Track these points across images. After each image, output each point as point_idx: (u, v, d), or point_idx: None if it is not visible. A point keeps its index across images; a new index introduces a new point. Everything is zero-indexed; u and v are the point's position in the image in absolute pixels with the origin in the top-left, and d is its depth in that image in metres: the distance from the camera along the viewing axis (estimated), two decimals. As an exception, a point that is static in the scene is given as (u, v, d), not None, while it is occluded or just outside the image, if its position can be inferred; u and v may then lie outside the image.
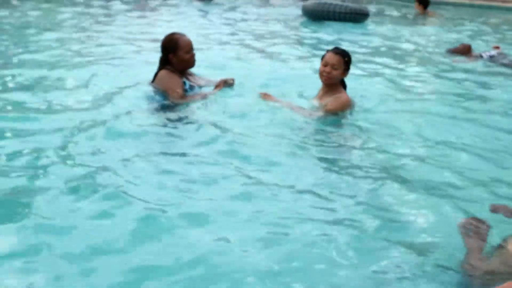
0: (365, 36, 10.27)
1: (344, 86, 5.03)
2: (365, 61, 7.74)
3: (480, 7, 16.23)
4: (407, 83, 6.67)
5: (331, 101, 4.87)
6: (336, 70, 4.81)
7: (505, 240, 2.70)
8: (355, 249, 2.94)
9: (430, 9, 13.70)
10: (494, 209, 3.18)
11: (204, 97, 5.03)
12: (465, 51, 8.28)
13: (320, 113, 4.86)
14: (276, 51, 8.14)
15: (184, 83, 4.99)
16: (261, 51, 8.10)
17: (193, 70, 5.34)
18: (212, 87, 5.23)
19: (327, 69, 4.84)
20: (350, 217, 3.28)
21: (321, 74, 4.90)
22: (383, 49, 9.07)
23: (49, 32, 8.72)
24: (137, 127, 4.41)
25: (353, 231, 3.12)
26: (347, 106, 4.93)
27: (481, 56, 8.06)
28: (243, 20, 11.80)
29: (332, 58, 4.83)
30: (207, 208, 3.28)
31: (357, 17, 11.46)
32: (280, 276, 2.70)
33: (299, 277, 2.71)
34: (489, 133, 4.82)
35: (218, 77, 5.42)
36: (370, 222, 3.23)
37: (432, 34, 11.06)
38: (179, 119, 4.63)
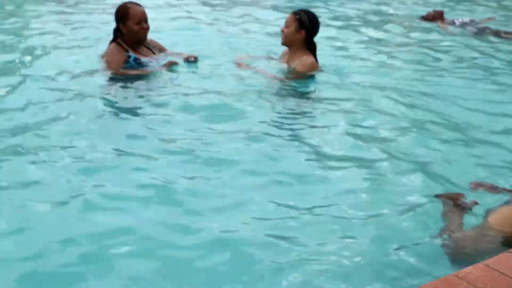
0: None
1: (312, 49, 4.94)
2: (339, 27, 7.55)
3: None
4: (376, 49, 6.51)
5: (298, 64, 4.85)
6: (288, 28, 4.82)
7: (486, 213, 2.65)
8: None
9: None
10: (474, 187, 3.11)
11: (146, 73, 4.73)
12: (437, 17, 8.12)
13: (289, 77, 4.86)
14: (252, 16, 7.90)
15: (129, 57, 4.68)
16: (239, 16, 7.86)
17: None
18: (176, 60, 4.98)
19: (282, 28, 4.88)
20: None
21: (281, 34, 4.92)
22: (360, 14, 8.93)
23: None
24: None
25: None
26: (313, 68, 4.90)
27: (453, 23, 7.93)
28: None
29: (287, 17, 4.88)
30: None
31: None
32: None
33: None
34: (465, 107, 4.67)
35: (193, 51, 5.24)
36: (352, 197, 3.14)
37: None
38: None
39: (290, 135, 3.93)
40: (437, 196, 2.98)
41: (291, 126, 4.09)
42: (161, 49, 5.07)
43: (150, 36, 4.93)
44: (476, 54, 6.47)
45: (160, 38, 5.26)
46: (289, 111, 4.36)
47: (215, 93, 4.53)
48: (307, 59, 4.86)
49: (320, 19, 4.99)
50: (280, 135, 3.89)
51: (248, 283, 2.42)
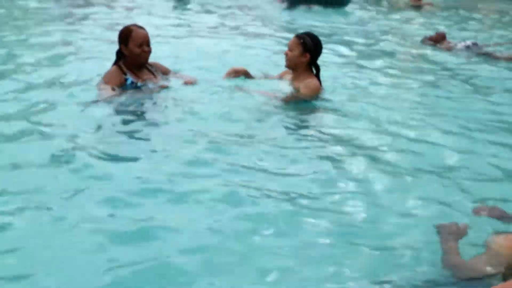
0: (344, 23, 10.23)
1: (316, 71, 4.97)
2: (339, 48, 7.59)
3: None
4: (378, 72, 6.55)
5: (302, 86, 4.85)
6: (292, 51, 4.85)
7: (489, 240, 2.60)
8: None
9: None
10: (477, 212, 3.06)
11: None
12: (439, 39, 8.19)
13: (292, 98, 4.86)
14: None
15: (126, 80, 4.66)
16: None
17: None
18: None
19: (286, 51, 4.92)
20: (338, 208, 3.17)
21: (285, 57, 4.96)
22: (359, 36, 8.97)
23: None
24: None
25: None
26: (317, 91, 4.92)
27: (456, 45, 7.99)
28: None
29: (290, 40, 4.93)
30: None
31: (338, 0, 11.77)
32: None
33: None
34: (465, 124, 4.70)
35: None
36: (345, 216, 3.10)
37: (416, 22, 10.98)
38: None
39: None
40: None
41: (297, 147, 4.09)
42: (165, 72, 5.04)
43: (155, 57, 4.94)
44: (477, 75, 6.52)
45: (160, 58, 5.23)
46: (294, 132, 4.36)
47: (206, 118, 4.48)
48: (312, 81, 4.86)
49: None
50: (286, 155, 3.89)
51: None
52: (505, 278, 2.20)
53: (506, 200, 3.28)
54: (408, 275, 2.51)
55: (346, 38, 8.61)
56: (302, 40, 4.80)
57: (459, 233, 2.75)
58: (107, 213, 2.95)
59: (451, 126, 4.60)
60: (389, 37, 9.12)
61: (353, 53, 7.46)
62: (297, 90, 4.86)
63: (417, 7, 13.11)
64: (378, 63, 7.00)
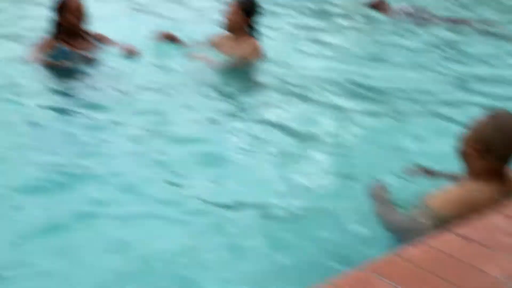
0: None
1: (253, 34, 5.05)
2: (277, 14, 7.58)
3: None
4: (316, 37, 6.57)
5: (245, 48, 4.93)
6: (232, 14, 4.90)
7: (420, 198, 2.67)
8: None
9: None
10: (409, 171, 3.20)
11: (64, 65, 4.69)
12: (381, 5, 8.20)
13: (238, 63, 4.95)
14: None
15: (56, 47, 4.65)
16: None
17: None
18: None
19: (226, 15, 4.93)
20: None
21: (223, 21, 4.98)
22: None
23: None
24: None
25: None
26: (260, 52, 5.01)
27: (398, 11, 8.03)
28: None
29: (230, 4, 4.93)
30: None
31: None
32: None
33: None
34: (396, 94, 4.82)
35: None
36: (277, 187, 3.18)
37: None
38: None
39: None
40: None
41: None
42: (104, 41, 4.99)
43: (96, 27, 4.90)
44: (415, 42, 6.62)
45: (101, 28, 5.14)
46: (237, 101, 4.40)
47: (156, 89, 4.52)
48: (254, 43, 4.96)
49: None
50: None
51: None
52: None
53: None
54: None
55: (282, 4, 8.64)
56: (242, 4, 4.87)
57: (385, 190, 2.87)
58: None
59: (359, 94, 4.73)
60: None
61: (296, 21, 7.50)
62: (240, 53, 4.93)
63: None
64: (316, 28, 7.06)
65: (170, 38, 5.18)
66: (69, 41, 4.70)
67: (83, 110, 4.03)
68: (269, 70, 4.98)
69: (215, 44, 5.14)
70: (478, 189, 2.51)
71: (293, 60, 5.39)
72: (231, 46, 4.98)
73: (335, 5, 8.58)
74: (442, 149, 3.19)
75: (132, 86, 4.52)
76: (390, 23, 7.60)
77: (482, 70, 5.57)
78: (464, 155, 2.60)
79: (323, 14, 7.93)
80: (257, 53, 4.97)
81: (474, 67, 5.65)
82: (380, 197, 2.81)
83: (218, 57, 4.96)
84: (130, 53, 4.94)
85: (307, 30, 6.78)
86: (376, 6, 8.24)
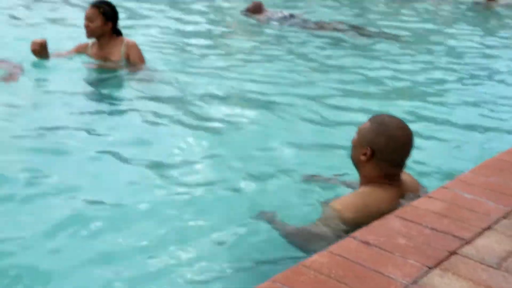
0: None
1: (119, 34, 5.06)
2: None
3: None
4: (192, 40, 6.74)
5: (130, 50, 4.95)
6: (93, 22, 4.85)
7: (322, 204, 2.70)
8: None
9: None
10: (307, 179, 3.18)
11: None
12: (256, 9, 8.34)
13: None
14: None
15: None
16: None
17: None
18: None
19: (85, 23, 4.89)
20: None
21: (85, 29, 4.93)
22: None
23: None
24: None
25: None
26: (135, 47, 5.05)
27: (272, 16, 8.20)
28: None
29: (88, 11, 4.89)
30: None
31: None
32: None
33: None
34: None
35: None
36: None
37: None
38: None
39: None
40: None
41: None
42: None
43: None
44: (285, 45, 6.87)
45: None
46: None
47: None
48: (130, 41, 5.01)
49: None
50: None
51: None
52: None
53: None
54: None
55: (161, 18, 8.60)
56: (102, 10, 4.83)
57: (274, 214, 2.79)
58: None
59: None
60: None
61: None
62: (115, 56, 4.93)
63: None
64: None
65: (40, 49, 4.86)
66: None
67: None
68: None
69: (84, 51, 5.11)
70: (373, 193, 2.55)
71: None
72: (98, 52, 4.99)
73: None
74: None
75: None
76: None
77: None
78: (354, 161, 2.65)
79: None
80: (139, 50, 5.00)
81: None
82: (272, 220, 2.73)
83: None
84: (11, 78, 4.67)
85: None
86: (252, 11, 8.37)
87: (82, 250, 2.54)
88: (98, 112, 4.22)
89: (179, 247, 2.58)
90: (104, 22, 4.86)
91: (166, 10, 8.54)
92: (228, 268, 2.47)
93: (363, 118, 3.03)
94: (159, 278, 2.40)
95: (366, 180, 2.61)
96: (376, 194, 2.54)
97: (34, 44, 4.81)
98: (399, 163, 2.60)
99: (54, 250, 2.52)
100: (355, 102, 4.78)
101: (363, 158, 2.57)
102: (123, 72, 4.89)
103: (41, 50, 4.82)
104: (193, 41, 6.79)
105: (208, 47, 6.64)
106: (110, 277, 2.36)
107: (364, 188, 2.60)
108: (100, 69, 4.91)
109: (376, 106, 4.58)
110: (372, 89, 5.29)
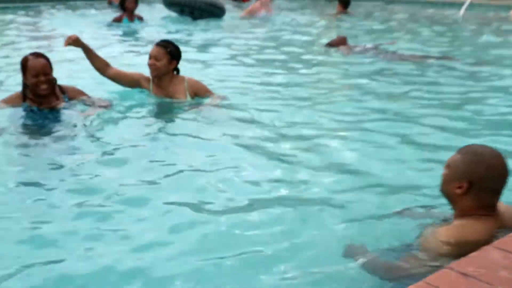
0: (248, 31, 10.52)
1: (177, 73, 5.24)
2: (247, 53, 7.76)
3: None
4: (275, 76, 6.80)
5: (196, 87, 5.16)
6: (160, 61, 5.01)
7: (423, 236, 2.64)
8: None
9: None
10: (399, 214, 3.13)
11: None
12: (341, 43, 8.49)
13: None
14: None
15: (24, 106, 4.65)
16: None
17: None
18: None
19: (151, 61, 5.04)
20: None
21: (149, 67, 5.07)
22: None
23: None
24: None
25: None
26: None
27: (355, 47, 8.32)
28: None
29: (154, 50, 5.06)
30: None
31: (215, 10, 11.70)
32: None
33: None
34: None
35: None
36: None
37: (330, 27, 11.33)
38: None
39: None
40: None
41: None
42: (76, 96, 4.89)
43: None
44: (369, 75, 6.83)
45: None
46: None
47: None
48: (194, 80, 5.22)
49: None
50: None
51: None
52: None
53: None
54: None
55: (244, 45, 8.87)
56: (168, 49, 5.02)
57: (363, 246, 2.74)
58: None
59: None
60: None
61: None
62: (181, 94, 5.09)
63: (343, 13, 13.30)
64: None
65: (77, 44, 5.00)
66: (38, 101, 4.62)
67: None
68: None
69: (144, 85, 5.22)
70: (473, 226, 2.48)
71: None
72: (165, 90, 5.12)
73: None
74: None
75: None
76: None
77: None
78: (448, 195, 2.60)
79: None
80: (205, 87, 5.24)
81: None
82: (364, 254, 2.66)
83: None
84: (106, 107, 4.91)
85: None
86: (335, 44, 8.50)
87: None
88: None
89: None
90: (170, 61, 5.02)
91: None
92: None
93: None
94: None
95: (462, 212, 2.54)
96: (476, 227, 2.47)
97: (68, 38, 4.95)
98: (498, 192, 2.53)
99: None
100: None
101: (458, 191, 2.51)
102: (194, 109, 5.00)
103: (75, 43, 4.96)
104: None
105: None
106: None
107: (461, 220, 2.53)
108: (170, 106, 5.06)
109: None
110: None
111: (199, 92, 5.15)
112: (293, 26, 11.32)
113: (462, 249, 2.32)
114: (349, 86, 6.41)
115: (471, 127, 4.81)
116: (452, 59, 7.75)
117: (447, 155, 2.67)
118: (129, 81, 5.18)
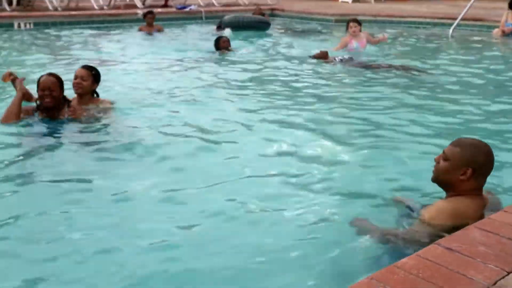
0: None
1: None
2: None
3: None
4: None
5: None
6: (86, 81, 5.47)
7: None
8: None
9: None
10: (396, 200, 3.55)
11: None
12: (323, 56, 9.04)
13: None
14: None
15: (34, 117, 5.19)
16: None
17: None
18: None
19: (77, 80, 5.48)
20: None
21: (74, 86, 5.49)
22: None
23: None
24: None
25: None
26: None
27: (335, 59, 8.88)
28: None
29: (81, 71, 5.52)
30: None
31: (261, 25, 13.32)
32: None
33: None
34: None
35: None
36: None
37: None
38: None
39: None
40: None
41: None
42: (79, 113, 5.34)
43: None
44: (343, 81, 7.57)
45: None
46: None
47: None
48: (105, 101, 5.63)
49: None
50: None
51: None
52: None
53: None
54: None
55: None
56: (94, 72, 5.53)
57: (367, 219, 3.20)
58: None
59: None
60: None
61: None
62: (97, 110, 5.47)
63: None
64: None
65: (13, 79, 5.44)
66: (48, 113, 5.16)
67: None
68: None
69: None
70: (464, 201, 2.93)
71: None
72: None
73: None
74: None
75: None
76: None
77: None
78: (450, 182, 2.98)
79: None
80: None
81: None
82: (366, 226, 3.11)
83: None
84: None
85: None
86: (318, 57, 9.01)
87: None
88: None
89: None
90: (93, 83, 5.52)
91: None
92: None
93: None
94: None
95: (458, 193, 2.97)
96: (468, 202, 2.93)
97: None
98: (488, 175, 3.00)
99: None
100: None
101: (463, 177, 2.92)
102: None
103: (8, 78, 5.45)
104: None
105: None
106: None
107: (456, 197, 2.96)
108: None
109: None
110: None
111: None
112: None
113: (455, 219, 2.80)
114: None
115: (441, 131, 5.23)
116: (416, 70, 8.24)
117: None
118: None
